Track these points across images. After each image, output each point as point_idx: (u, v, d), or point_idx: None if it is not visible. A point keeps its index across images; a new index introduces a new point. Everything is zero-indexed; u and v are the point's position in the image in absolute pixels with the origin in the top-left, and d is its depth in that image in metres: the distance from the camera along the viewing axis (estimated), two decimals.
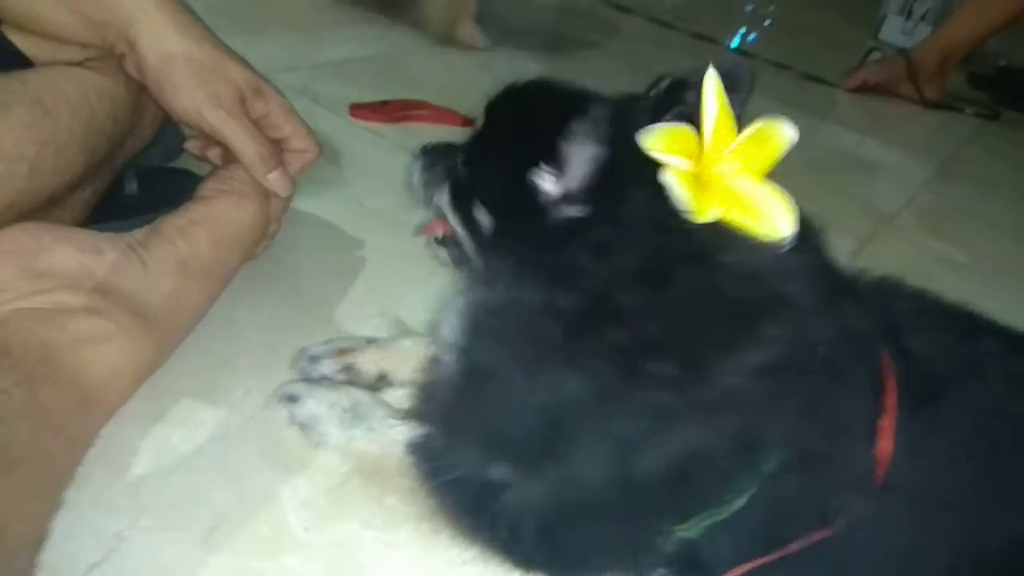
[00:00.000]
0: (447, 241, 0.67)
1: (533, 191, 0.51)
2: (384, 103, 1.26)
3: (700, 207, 0.45)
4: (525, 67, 1.59)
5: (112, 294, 0.61)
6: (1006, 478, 0.56)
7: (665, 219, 0.46)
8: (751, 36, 2.34)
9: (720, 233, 0.47)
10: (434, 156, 0.68)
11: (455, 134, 0.91)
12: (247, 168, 0.71)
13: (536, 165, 0.52)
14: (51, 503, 0.52)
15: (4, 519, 0.45)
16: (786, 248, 0.48)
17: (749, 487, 0.50)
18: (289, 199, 0.80)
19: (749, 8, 2.58)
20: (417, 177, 0.68)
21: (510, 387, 0.50)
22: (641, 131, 0.47)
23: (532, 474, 0.51)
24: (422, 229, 0.71)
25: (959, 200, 1.45)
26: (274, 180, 0.73)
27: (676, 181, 0.45)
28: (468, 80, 1.45)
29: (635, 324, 0.46)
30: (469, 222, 0.60)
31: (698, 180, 0.47)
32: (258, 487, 0.60)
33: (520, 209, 0.53)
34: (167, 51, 0.68)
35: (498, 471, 0.51)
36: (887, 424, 0.52)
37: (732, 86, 0.50)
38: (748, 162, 0.48)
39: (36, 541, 0.49)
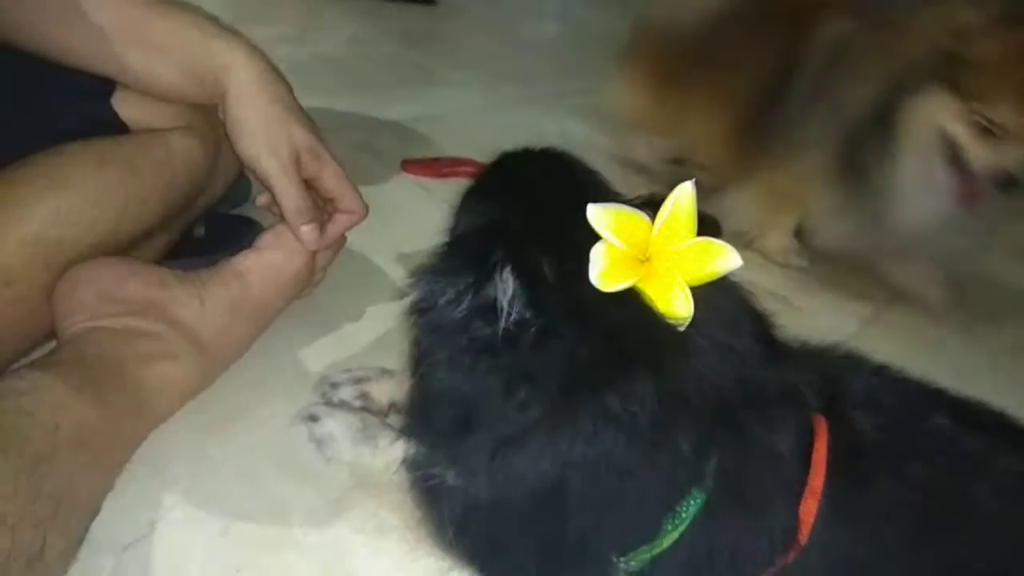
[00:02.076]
0: None
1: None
2: (435, 160, 1.38)
3: (612, 281, 0.51)
4: (572, 130, 1.70)
5: (173, 323, 0.74)
6: (928, 553, 0.60)
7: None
8: None
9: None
10: None
11: None
12: (285, 216, 0.82)
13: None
14: (106, 483, 0.64)
15: (76, 482, 0.57)
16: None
17: (677, 525, 0.56)
18: (335, 253, 0.91)
19: None
20: None
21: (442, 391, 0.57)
22: (591, 206, 0.52)
23: (478, 484, 0.58)
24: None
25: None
26: (306, 232, 0.82)
27: (601, 255, 0.51)
28: (517, 141, 1.56)
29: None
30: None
31: (629, 260, 0.52)
32: (272, 493, 0.71)
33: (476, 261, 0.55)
34: (246, 102, 0.79)
35: (451, 476, 0.59)
36: (814, 485, 0.57)
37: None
38: (685, 265, 0.52)
39: (91, 513, 0.61)
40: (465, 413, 0.55)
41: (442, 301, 0.53)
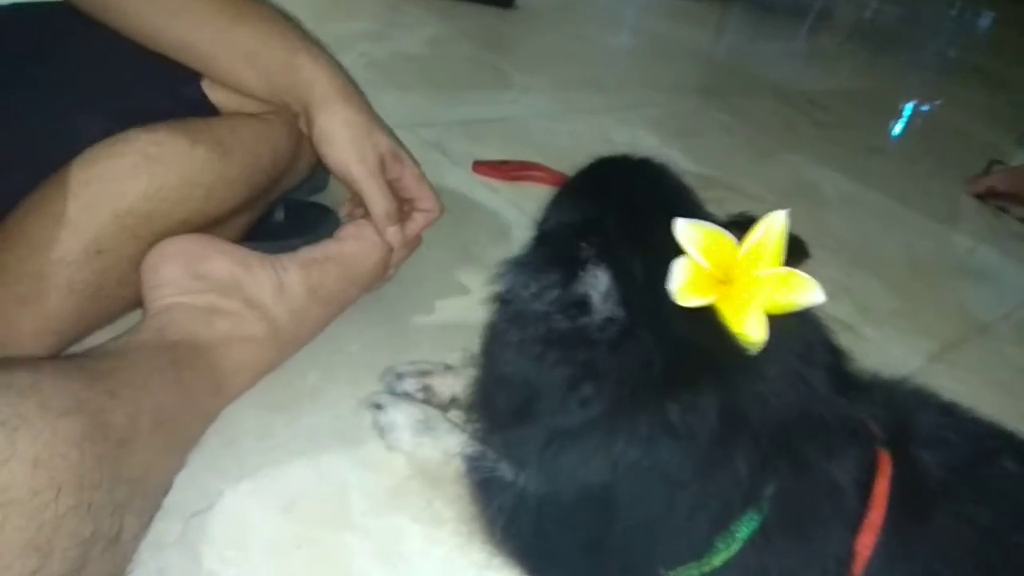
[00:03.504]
0: None
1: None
2: (504, 162, 1.40)
3: (690, 296, 0.51)
4: (644, 140, 1.70)
5: (252, 303, 0.77)
6: None
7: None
8: (895, 131, 2.35)
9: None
10: None
11: None
12: (374, 220, 0.85)
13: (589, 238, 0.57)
14: (180, 461, 0.67)
15: (151, 465, 0.59)
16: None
17: (729, 545, 0.56)
18: (410, 252, 0.94)
19: (904, 104, 2.58)
20: None
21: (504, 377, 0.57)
22: (679, 220, 0.53)
23: (530, 476, 0.58)
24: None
25: None
26: (392, 233, 0.86)
27: (683, 269, 0.52)
28: (587, 148, 1.57)
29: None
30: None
31: (710, 279, 0.52)
32: (334, 474, 0.72)
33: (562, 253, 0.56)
34: (332, 113, 0.83)
35: (507, 471, 0.60)
36: (873, 520, 0.56)
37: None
38: (766, 292, 0.52)
39: (166, 488, 0.64)
40: (526, 400, 0.55)
41: (526, 293, 0.53)
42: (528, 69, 1.97)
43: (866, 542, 0.57)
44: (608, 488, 0.54)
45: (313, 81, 0.82)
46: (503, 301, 0.57)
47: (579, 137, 1.64)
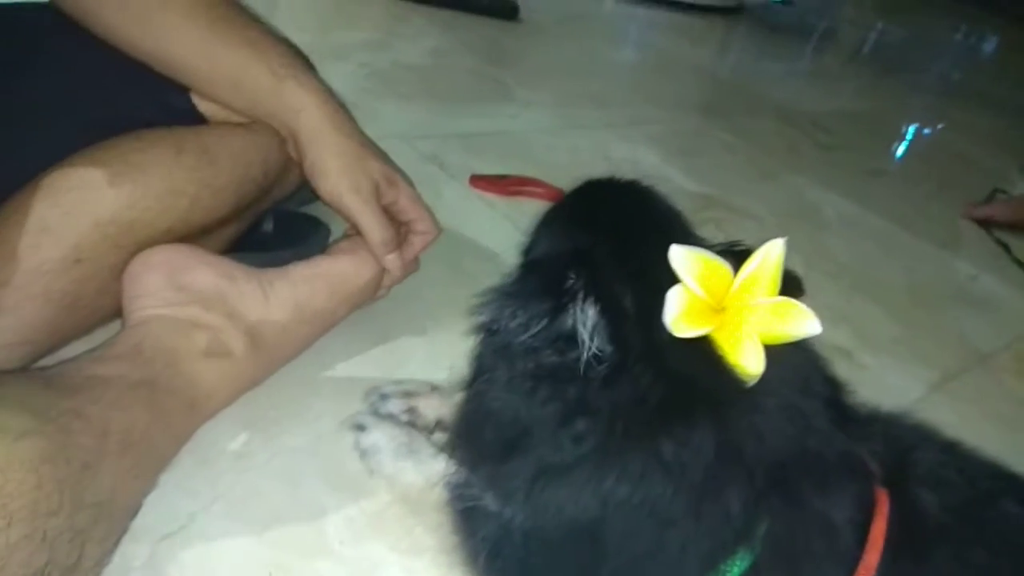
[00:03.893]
0: None
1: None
2: (502, 177, 1.38)
3: (686, 326, 0.50)
4: (644, 158, 1.68)
5: (235, 317, 0.74)
6: None
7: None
8: (897, 154, 2.33)
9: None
10: None
11: None
12: (371, 248, 0.83)
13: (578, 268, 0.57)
14: (150, 483, 0.64)
15: (117, 488, 0.56)
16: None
17: None
18: (406, 276, 0.92)
19: (906, 127, 2.57)
20: None
21: (492, 412, 0.55)
22: (675, 247, 0.51)
23: (515, 509, 0.56)
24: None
25: None
26: (390, 261, 0.85)
27: (678, 298, 0.50)
28: (586, 164, 1.56)
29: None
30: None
31: (705, 308, 0.51)
32: (313, 497, 0.70)
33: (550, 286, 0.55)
34: (322, 144, 0.81)
35: (491, 501, 0.58)
36: (869, 562, 0.54)
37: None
38: (762, 322, 0.51)
39: (134, 510, 0.61)
40: (514, 436, 0.54)
41: (513, 324, 0.52)
42: (530, 83, 1.96)
43: None
44: (597, 525, 0.52)
45: (300, 109, 0.80)
46: (489, 331, 0.55)
47: (579, 153, 1.62)
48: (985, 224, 1.80)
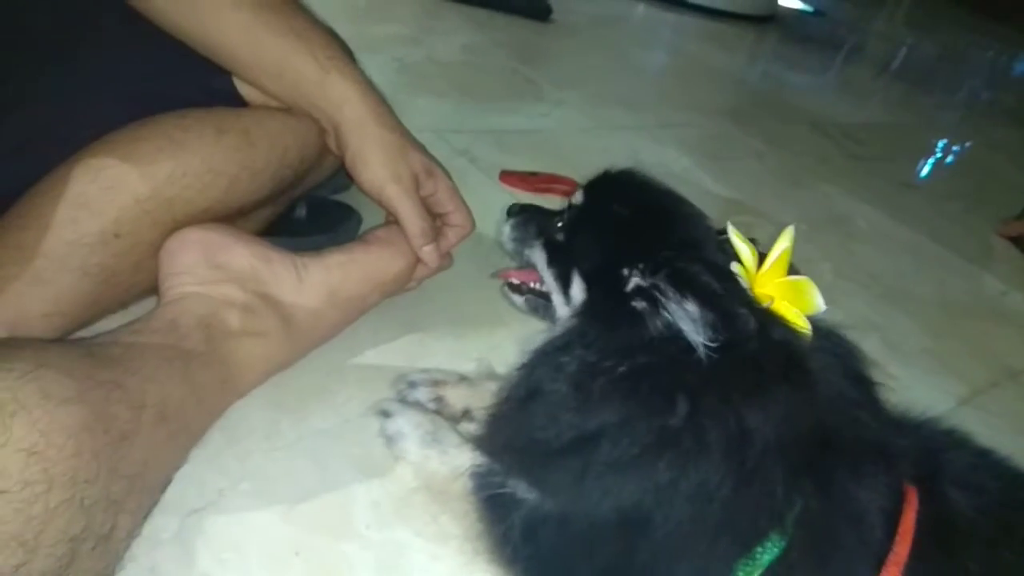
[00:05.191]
0: (523, 289, 0.79)
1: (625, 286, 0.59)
2: (532, 174, 1.38)
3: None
4: (676, 161, 1.68)
5: (268, 299, 0.75)
6: None
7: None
8: (926, 166, 2.31)
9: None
10: (525, 216, 0.80)
11: None
12: (409, 239, 0.83)
13: (633, 266, 0.59)
14: (182, 457, 0.65)
15: (152, 459, 0.57)
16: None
17: (750, 572, 0.54)
18: (439, 270, 0.92)
19: (937, 142, 2.54)
20: (508, 233, 0.80)
21: (557, 420, 0.56)
22: (731, 230, 0.59)
23: (548, 495, 0.57)
24: (500, 273, 0.83)
25: None
26: (426, 252, 0.85)
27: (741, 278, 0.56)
28: (616, 164, 1.55)
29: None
30: (563, 282, 0.69)
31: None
32: (339, 480, 0.70)
33: (612, 296, 0.60)
34: (365, 135, 0.81)
35: (522, 488, 0.58)
36: (899, 554, 0.55)
37: None
38: (783, 297, 0.57)
39: (165, 484, 0.62)
40: (578, 435, 0.55)
41: (591, 348, 0.56)
42: (562, 83, 1.95)
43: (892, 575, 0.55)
44: (641, 509, 0.52)
45: (343, 102, 0.81)
46: (572, 345, 0.57)
47: (609, 154, 1.61)
48: (1017, 241, 1.78)
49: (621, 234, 0.67)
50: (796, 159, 1.94)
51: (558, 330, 0.64)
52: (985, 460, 0.66)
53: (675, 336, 0.52)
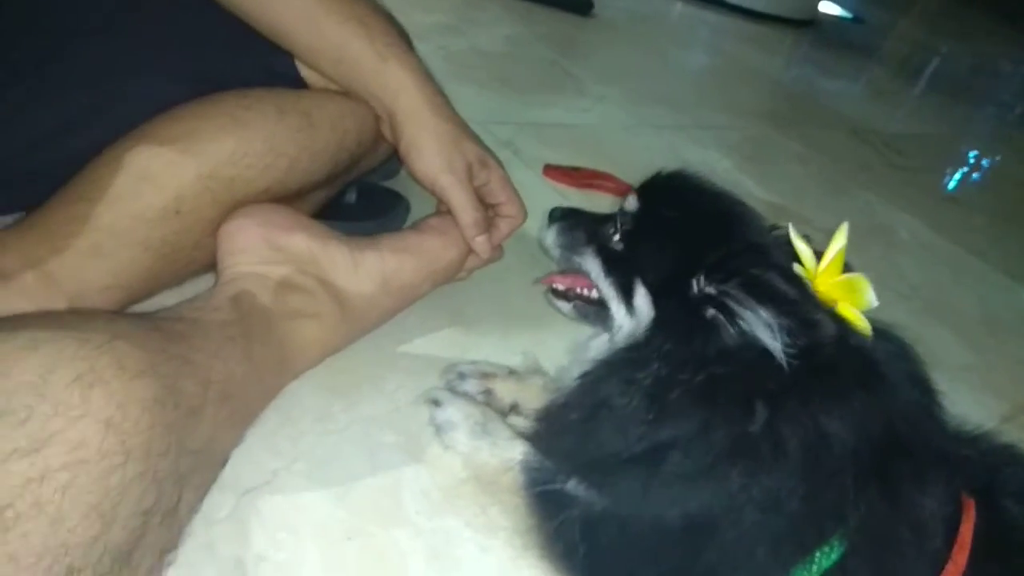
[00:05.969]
0: (570, 295, 0.77)
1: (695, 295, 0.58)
2: (576, 168, 1.37)
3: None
4: (717, 163, 1.66)
5: (324, 282, 0.75)
6: None
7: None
8: (964, 179, 2.28)
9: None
10: (571, 220, 0.78)
11: None
12: (462, 229, 0.83)
13: (701, 273, 0.58)
14: (241, 435, 0.64)
15: (216, 435, 0.57)
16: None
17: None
18: (490, 262, 0.91)
19: (973, 154, 2.51)
20: (553, 238, 0.78)
21: (627, 432, 0.56)
22: (793, 235, 0.60)
23: (600, 491, 0.57)
24: (544, 278, 0.80)
25: None
26: (479, 243, 0.84)
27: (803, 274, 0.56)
28: (658, 164, 1.53)
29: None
30: (624, 292, 0.67)
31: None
32: (390, 466, 0.70)
33: (682, 306, 0.59)
34: (420, 124, 0.81)
35: (576, 487, 0.58)
36: (959, 562, 0.55)
37: None
38: (840, 295, 0.57)
39: (224, 461, 0.61)
40: (662, 441, 0.55)
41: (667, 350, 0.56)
42: (602, 79, 1.94)
43: None
44: (709, 515, 0.52)
45: (400, 90, 0.80)
46: (637, 361, 0.57)
47: (651, 152, 1.60)
48: None
49: (684, 241, 0.65)
50: (837, 165, 1.92)
51: (621, 341, 0.64)
52: None
53: (750, 344, 0.52)
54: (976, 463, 0.63)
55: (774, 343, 0.50)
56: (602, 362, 0.62)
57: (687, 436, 0.53)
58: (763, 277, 0.54)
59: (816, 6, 3.62)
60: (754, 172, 1.66)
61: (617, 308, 0.68)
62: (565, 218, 0.79)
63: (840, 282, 0.57)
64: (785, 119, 2.22)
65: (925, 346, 1.22)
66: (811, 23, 3.55)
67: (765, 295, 0.52)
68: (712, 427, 0.52)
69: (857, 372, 0.53)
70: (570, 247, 0.76)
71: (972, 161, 2.47)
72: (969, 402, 1.14)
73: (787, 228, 0.62)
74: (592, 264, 0.72)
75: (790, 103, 2.49)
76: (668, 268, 0.63)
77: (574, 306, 0.77)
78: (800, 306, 0.52)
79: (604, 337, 0.71)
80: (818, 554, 0.54)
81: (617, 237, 0.71)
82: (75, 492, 0.42)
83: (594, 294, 0.74)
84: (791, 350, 0.50)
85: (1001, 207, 2.08)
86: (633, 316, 0.66)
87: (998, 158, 2.56)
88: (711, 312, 0.55)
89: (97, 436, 0.44)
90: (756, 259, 0.57)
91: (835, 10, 4.07)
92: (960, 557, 0.55)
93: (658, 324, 0.61)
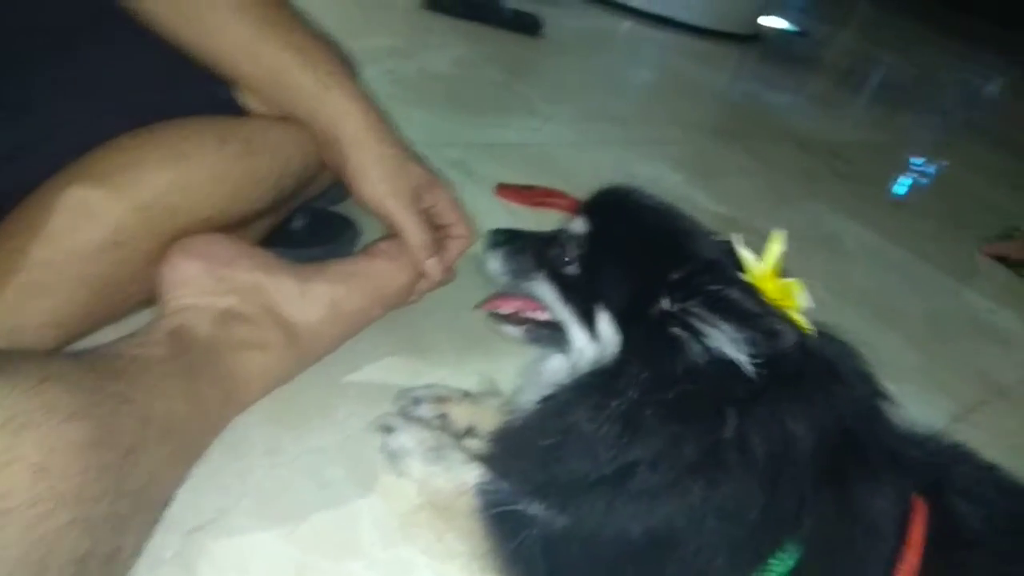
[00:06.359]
0: (519, 319, 0.74)
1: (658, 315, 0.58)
2: (528, 187, 1.37)
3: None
4: (667, 177, 1.68)
5: (271, 311, 0.74)
6: None
7: None
8: (909, 185, 2.34)
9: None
10: (515, 244, 0.75)
11: None
12: (411, 252, 0.82)
13: (662, 293, 0.58)
14: (184, 473, 0.63)
15: (156, 475, 0.55)
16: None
17: None
18: (442, 284, 0.91)
19: (918, 161, 2.58)
20: (499, 264, 0.74)
21: (593, 450, 0.56)
22: (736, 244, 0.60)
23: (562, 511, 0.57)
24: (484, 303, 0.77)
25: None
26: (430, 265, 0.84)
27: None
28: (610, 179, 1.55)
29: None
30: (585, 318, 0.65)
31: None
32: (342, 497, 0.69)
33: (646, 327, 0.59)
34: (364, 150, 0.80)
35: (534, 507, 0.58)
36: (911, 561, 0.56)
37: None
38: (781, 298, 0.58)
39: (167, 501, 0.60)
40: (630, 461, 0.55)
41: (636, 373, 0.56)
42: (552, 98, 1.96)
43: None
44: (672, 528, 0.52)
45: (343, 117, 0.80)
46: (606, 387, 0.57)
47: (602, 169, 1.62)
48: (1004, 260, 1.80)
49: (641, 262, 0.64)
50: (784, 177, 1.96)
51: (585, 365, 0.63)
52: (990, 475, 0.67)
53: (716, 358, 0.53)
54: (926, 463, 0.63)
55: (740, 356, 0.51)
56: (568, 387, 0.61)
57: (657, 452, 0.53)
58: (724, 293, 0.54)
59: (760, 21, 3.70)
60: (704, 185, 1.68)
61: (577, 333, 0.66)
62: (509, 241, 0.76)
63: (777, 286, 0.58)
64: (732, 132, 2.26)
65: (875, 350, 1.24)
66: (756, 38, 3.63)
67: (727, 310, 0.53)
68: (683, 441, 0.52)
69: (818, 377, 0.55)
70: (519, 273, 0.73)
71: (917, 168, 2.54)
72: (920, 404, 1.16)
73: (730, 237, 0.63)
74: (546, 290, 0.70)
75: (737, 117, 2.54)
76: (628, 291, 0.63)
77: (525, 330, 0.74)
78: (762, 319, 0.53)
79: (559, 359, 0.70)
80: (774, 561, 0.54)
81: (568, 259, 0.69)
82: (3, 542, 0.40)
83: (545, 316, 0.72)
84: (757, 360, 0.51)
85: (946, 211, 2.14)
86: (597, 341, 0.64)
87: (942, 164, 2.64)
88: (676, 331, 0.55)
89: (25, 483, 0.42)
90: (715, 276, 0.57)
91: (779, 24, 4.18)
92: (912, 556, 0.56)
93: (626, 349, 0.60)
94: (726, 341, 0.52)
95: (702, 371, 0.53)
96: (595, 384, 0.59)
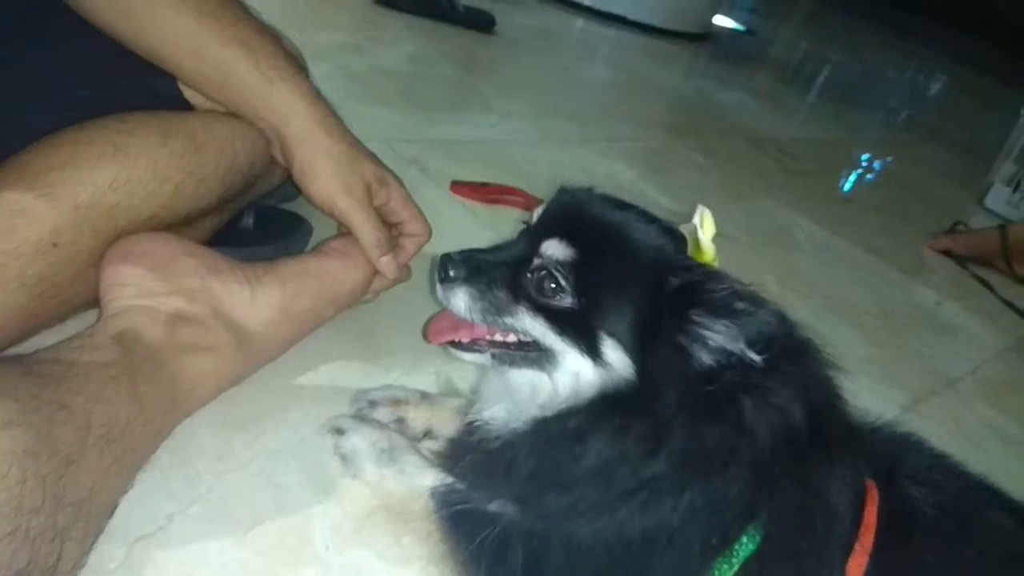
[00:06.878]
0: (482, 346, 0.67)
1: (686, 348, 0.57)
2: (483, 184, 1.36)
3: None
4: (622, 174, 1.69)
5: (218, 312, 0.71)
6: None
7: None
8: (857, 180, 2.39)
9: None
10: (481, 277, 0.64)
11: None
12: (365, 250, 0.81)
13: (668, 307, 0.57)
14: (128, 480, 0.60)
15: (98, 484, 0.53)
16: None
17: (732, 566, 0.55)
18: (397, 283, 0.89)
19: (865, 156, 2.64)
20: (468, 303, 0.64)
21: (610, 470, 0.57)
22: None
23: (527, 508, 0.57)
24: (434, 336, 0.69)
25: None
26: (384, 263, 0.82)
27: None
28: (566, 177, 1.55)
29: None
30: (586, 344, 0.60)
31: None
32: (296, 501, 0.67)
33: (655, 346, 0.57)
34: (313, 146, 0.79)
35: (498, 504, 0.58)
36: (865, 543, 0.57)
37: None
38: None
39: (110, 510, 0.57)
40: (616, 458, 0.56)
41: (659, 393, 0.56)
42: (507, 95, 1.95)
43: (859, 564, 0.58)
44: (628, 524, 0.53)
45: (290, 113, 0.78)
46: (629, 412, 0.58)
47: (558, 166, 1.62)
48: (949, 254, 1.85)
49: (635, 283, 0.60)
50: (736, 173, 1.99)
51: (588, 389, 0.60)
52: (941, 462, 0.69)
53: (721, 356, 0.55)
54: (878, 450, 0.65)
55: (743, 348, 0.53)
56: (574, 412, 0.60)
57: (679, 460, 0.55)
58: (718, 295, 0.55)
59: (711, 20, 3.75)
60: (658, 182, 1.69)
61: (575, 359, 0.61)
62: (471, 275, 0.64)
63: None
64: (686, 130, 2.28)
65: (827, 342, 1.27)
66: (707, 36, 3.68)
67: (725, 310, 0.54)
68: (708, 439, 0.55)
69: (794, 363, 0.57)
70: (497, 311, 0.64)
71: (864, 163, 2.60)
72: (871, 395, 1.18)
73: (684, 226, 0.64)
74: (533, 325, 0.63)
75: (690, 114, 2.57)
76: (631, 315, 0.59)
77: (492, 355, 0.66)
78: (756, 315, 0.54)
79: (536, 377, 0.64)
80: (737, 546, 0.56)
81: (556, 289, 0.61)
82: None
83: (513, 338, 0.66)
84: (757, 349, 0.53)
85: (894, 206, 2.19)
86: (603, 367, 0.60)
87: (889, 159, 2.71)
88: (683, 341, 0.56)
89: None
90: (705, 280, 0.58)
91: (729, 23, 4.24)
92: (866, 538, 0.58)
93: (642, 371, 0.58)
94: (729, 338, 0.54)
95: (714, 371, 0.55)
96: (614, 408, 0.59)
